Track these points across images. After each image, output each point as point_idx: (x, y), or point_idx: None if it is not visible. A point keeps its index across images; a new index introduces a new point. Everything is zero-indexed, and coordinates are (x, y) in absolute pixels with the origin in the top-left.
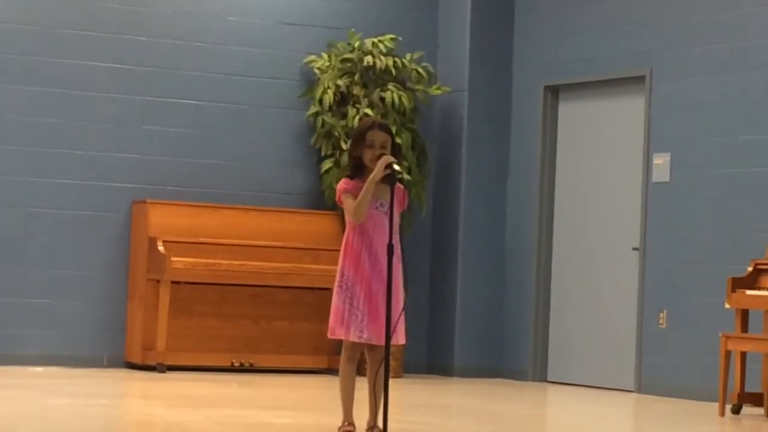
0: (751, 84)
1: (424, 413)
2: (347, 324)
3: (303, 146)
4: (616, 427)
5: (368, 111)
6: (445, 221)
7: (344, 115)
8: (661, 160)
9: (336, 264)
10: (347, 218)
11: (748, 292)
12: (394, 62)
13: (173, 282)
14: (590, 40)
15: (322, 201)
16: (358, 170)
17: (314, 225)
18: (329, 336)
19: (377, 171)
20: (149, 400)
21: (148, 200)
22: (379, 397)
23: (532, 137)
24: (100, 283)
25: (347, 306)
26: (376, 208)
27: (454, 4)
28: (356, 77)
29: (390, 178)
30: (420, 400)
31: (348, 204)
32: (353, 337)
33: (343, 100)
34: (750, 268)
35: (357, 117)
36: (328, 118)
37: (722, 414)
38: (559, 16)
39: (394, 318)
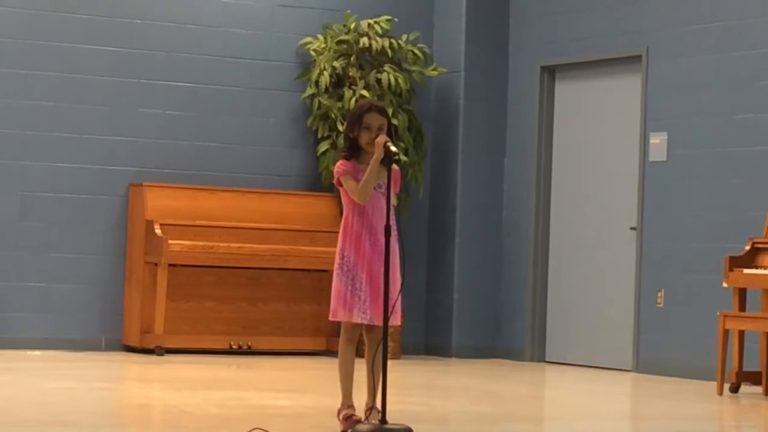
0: (747, 63)
1: (423, 394)
2: (350, 306)
3: (299, 128)
4: (614, 407)
5: (364, 92)
6: (442, 202)
7: (341, 97)
8: (657, 140)
9: (334, 246)
10: (344, 200)
11: (746, 270)
12: (390, 43)
13: (171, 265)
14: (586, 20)
15: (319, 183)
16: (353, 152)
17: (311, 207)
18: (331, 318)
19: (379, 152)
20: (147, 383)
21: (144, 183)
22: (378, 378)
23: (528, 117)
24: (97, 267)
25: (349, 288)
26: (374, 189)
27: None
28: (352, 59)
29: (387, 159)
30: (418, 381)
31: (350, 185)
32: (357, 319)
33: (339, 81)
34: (747, 247)
35: (353, 99)
36: (325, 99)
37: (720, 393)
38: None
39: (393, 298)
